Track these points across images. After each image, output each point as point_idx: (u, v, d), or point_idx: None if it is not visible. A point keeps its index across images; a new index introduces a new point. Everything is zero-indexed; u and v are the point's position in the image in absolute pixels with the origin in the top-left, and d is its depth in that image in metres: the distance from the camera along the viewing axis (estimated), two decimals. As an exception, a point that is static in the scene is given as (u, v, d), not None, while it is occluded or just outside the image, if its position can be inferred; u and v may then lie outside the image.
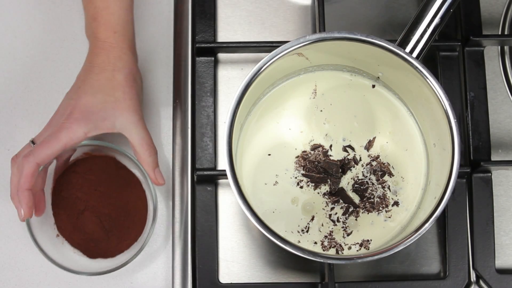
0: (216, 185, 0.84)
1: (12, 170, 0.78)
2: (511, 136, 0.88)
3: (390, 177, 0.82)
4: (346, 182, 0.81)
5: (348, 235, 0.80)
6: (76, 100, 0.78)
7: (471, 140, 0.85)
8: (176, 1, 0.89)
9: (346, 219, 0.80)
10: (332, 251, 0.79)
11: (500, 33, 0.90)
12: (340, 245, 0.79)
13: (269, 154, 0.81)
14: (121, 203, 0.83)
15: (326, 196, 0.81)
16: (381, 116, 0.83)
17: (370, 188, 0.81)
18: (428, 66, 0.77)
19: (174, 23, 0.89)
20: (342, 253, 0.79)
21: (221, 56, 0.88)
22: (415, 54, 0.78)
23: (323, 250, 0.79)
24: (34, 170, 0.76)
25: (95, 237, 0.82)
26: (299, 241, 0.79)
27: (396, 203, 0.81)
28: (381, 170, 0.81)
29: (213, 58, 0.87)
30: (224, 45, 0.87)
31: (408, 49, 0.78)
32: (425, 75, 0.76)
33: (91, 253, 0.83)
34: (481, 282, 0.83)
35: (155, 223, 0.81)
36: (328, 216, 0.80)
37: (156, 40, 0.89)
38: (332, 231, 0.80)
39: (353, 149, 0.82)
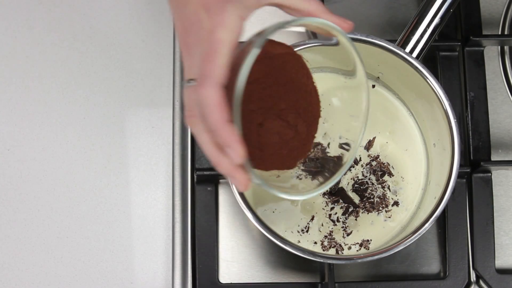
0: (216, 185, 0.84)
1: (196, 130, 0.60)
2: (511, 136, 0.88)
3: (390, 177, 0.82)
4: (346, 182, 0.81)
5: (348, 235, 0.80)
6: None
7: (471, 140, 0.85)
8: (176, 1, 0.89)
9: (346, 219, 0.80)
10: (332, 251, 0.79)
11: (500, 33, 0.90)
12: (340, 245, 0.79)
13: (269, 154, 0.81)
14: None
15: (326, 196, 0.81)
16: (381, 116, 0.83)
17: (370, 188, 0.81)
18: (428, 66, 0.77)
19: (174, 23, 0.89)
20: (342, 253, 0.79)
21: (221, 56, 0.88)
22: (415, 54, 0.78)
23: (323, 250, 0.79)
24: (222, 95, 0.58)
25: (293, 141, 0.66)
26: (299, 241, 0.79)
27: (396, 203, 0.81)
28: (381, 170, 0.82)
29: (213, 58, 0.87)
30: (224, 45, 0.87)
31: (408, 49, 0.78)
32: (425, 75, 0.76)
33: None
34: (481, 282, 0.83)
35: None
36: (328, 216, 0.80)
37: (157, 39, 0.89)
38: (332, 231, 0.80)
39: (353, 149, 0.82)
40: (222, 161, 0.60)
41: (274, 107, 0.64)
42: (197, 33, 0.60)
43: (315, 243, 0.79)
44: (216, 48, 0.59)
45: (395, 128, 0.83)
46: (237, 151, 0.57)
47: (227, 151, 0.58)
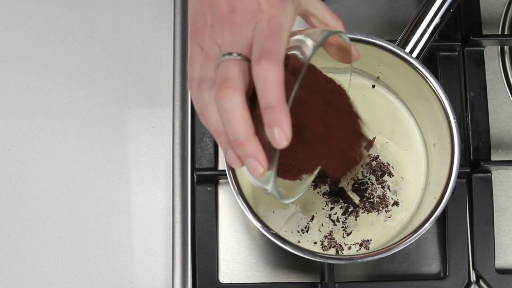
0: (216, 185, 0.84)
1: (230, 103, 0.58)
2: (511, 136, 0.88)
3: (390, 177, 0.82)
4: (346, 182, 0.81)
5: (348, 235, 0.80)
6: None
7: (471, 140, 0.85)
8: (176, 1, 0.89)
9: (346, 219, 0.80)
10: (332, 251, 0.79)
11: (500, 33, 0.90)
12: (340, 245, 0.79)
13: (269, 154, 0.81)
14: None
15: (326, 196, 0.81)
16: (381, 116, 0.83)
17: (370, 188, 0.81)
18: (428, 66, 0.77)
19: (174, 23, 0.89)
20: (342, 253, 0.79)
21: (221, 56, 0.88)
22: (415, 54, 0.78)
23: (323, 250, 0.79)
24: (282, 76, 0.57)
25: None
26: (299, 241, 0.79)
27: (396, 203, 0.81)
28: (381, 170, 0.82)
29: (213, 58, 0.87)
30: (224, 45, 0.87)
31: (408, 49, 0.78)
32: (425, 75, 0.76)
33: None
34: (481, 282, 0.83)
35: None
36: (328, 216, 0.80)
37: (156, 40, 0.89)
38: (332, 231, 0.80)
39: (353, 149, 0.82)
40: (252, 140, 0.59)
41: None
42: (251, 14, 0.60)
43: (315, 243, 0.79)
44: (279, 30, 0.59)
45: (395, 128, 0.83)
46: (286, 134, 0.57)
47: (272, 131, 0.57)
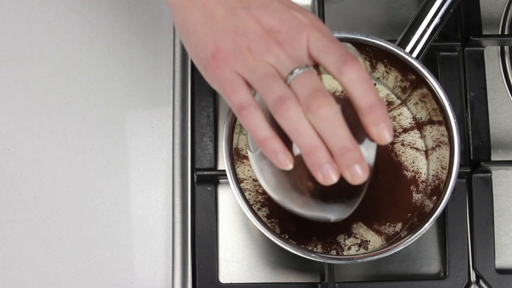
0: (216, 185, 0.84)
1: (327, 111, 0.57)
2: (511, 136, 0.88)
3: (390, 177, 0.82)
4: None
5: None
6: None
7: (471, 140, 0.85)
8: (176, 1, 0.89)
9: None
10: (332, 251, 0.79)
11: (500, 33, 0.90)
12: (340, 245, 0.79)
13: (269, 154, 0.81)
14: None
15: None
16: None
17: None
18: (428, 66, 0.77)
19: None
20: (342, 253, 0.79)
21: (221, 56, 0.88)
22: (415, 54, 0.78)
23: (323, 251, 0.79)
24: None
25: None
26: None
27: (396, 203, 0.81)
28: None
29: (213, 58, 0.87)
30: (224, 45, 0.87)
31: (408, 49, 0.78)
32: (425, 75, 0.76)
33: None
34: (481, 282, 0.83)
35: None
36: (328, 216, 0.80)
37: (156, 39, 0.89)
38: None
39: (353, 149, 0.82)
40: (358, 146, 0.57)
41: None
42: (295, 28, 0.60)
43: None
44: (334, 37, 0.60)
45: (394, 128, 0.83)
46: (391, 130, 0.57)
47: (378, 129, 0.56)
